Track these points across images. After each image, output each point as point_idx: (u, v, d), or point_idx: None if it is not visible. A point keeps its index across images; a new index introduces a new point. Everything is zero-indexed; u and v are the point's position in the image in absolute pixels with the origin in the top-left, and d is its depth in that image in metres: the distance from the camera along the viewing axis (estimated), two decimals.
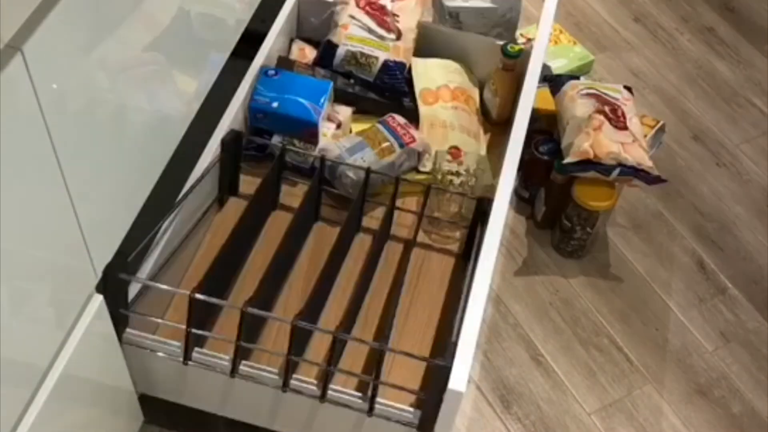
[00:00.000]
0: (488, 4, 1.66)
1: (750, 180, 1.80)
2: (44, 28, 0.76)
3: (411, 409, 1.16)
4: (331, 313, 1.32)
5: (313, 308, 1.23)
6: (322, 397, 1.16)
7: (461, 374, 1.11)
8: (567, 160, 1.52)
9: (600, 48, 2.01)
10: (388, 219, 1.41)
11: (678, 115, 1.91)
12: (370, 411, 1.16)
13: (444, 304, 1.36)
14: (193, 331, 1.15)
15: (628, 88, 1.67)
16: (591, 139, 1.51)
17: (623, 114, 1.57)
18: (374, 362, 1.16)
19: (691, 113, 1.91)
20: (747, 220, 1.74)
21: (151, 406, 1.32)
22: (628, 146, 1.52)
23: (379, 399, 1.16)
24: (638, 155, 1.52)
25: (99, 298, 1.06)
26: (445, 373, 1.06)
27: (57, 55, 0.79)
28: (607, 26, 2.07)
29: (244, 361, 1.18)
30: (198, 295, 1.13)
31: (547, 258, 1.64)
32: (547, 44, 1.54)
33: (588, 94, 1.60)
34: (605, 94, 1.60)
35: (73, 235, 0.93)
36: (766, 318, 1.60)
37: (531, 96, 1.45)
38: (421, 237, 1.46)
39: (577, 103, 1.59)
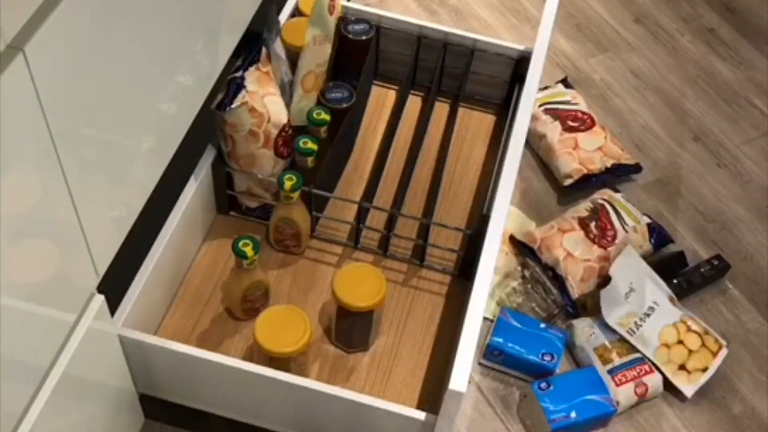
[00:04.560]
0: None
1: (750, 181, 1.81)
2: (46, 29, 0.76)
3: (452, 259, 1.48)
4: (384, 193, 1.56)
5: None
6: (385, 252, 1.48)
7: (462, 374, 1.11)
8: (517, 235, 1.59)
9: (601, 49, 2.02)
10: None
11: (678, 115, 1.91)
12: (422, 262, 1.47)
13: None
14: (360, 225, 1.47)
15: (659, 235, 1.64)
16: (548, 234, 1.57)
17: (614, 237, 1.57)
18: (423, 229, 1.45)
19: (691, 114, 1.91)
20: (747, 221, 1.74)
21: (152, 405, 1.32)
22: (573, 260, 1.53)
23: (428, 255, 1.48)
24: (573, 272, 1.52)
25: (100, 298, 1.06)
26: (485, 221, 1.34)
27: (59, 55, 0.80)
28: (608, 27, 2.07)
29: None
30: (365, 203, 1.44)
31: None
32: (547, 48, 1.54)
33: (602, 205, 1.62)
34: (618, 214, 1.61)
35: (75, 235, 0.93)
36: (766, 319, 1.60)
37: (530, 103, 1.45)
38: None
39: (585, 203, 1.64)
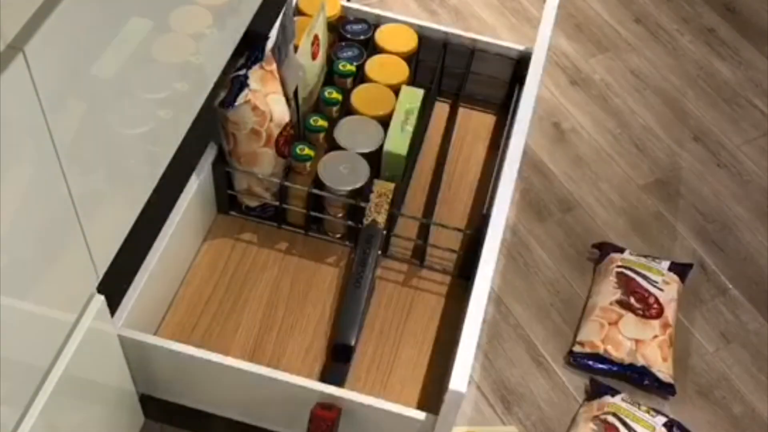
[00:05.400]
0: None
1: (751, 181, 1.81)
2: (46, 29, 0.76)
3: (452, 260, 1.46)
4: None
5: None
6: (385, 252, 1.47)
7: (462, 375, 1.11)
8: (575, 348, 1.49)
9: (601, 49, 2.02)
10: None
11: (678, 115, 1.91)
12: (422, 263, 1.47)
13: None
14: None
15: (679, 269, 1.58)
16: (604, 333, 1.48)
17: (657, 301, 1.51)
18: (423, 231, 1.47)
19: (691, 114, 1.92)
20: (748, 221, 1.74)
21: (152, 405, 1.32)
22: (644, 344, 1.46)
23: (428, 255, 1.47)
24: (652, 356, 1.46)
25: (100, 299, 1.06)
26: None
27: (59, 55, 0.80)
28: (608, 27, 2.07)
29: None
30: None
31: (548, 258, 1.64)
32: (547, 48, 1.54)
33: (621, 274, 1.54)
34: (643, 276, 1.54)
35: (75, 235, 0.93)
36: (766, 319, 1.60)
37: (530, 103, 1.45)
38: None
39: (607, 282, 1.54)
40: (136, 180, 1.06)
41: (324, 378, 1.31)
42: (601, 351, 1.47)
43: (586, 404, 1.44)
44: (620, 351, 1.46)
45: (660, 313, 1.50)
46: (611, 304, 1.51)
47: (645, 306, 1.50)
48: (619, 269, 1.55)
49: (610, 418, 1.38)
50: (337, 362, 1.32)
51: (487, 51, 1.64)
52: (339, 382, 1.27)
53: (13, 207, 0.80)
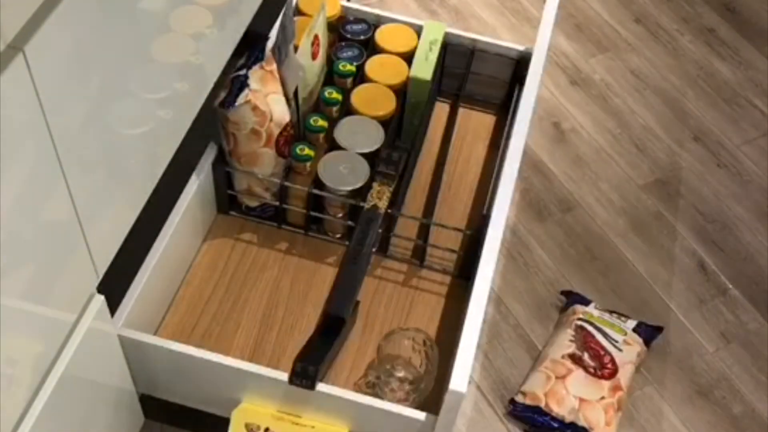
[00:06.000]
0: None
1: (751, 181, 1.81)
2: (46, 29, 0.76)
3: (452, 260, 1.46)
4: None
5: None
6: (385, 252, 1.47)
7: (462, 375, 1.11)
8: (517, 397, 1.42)
9: (601, 49, 2.02)
10: None
11: (678, 115, 1.91)
12: (422, 263, 1.47)
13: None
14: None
15: (647, 332, 1.50)
16: (549, 386, 1.41)
17: (612, 361, 1.42)
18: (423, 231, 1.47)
19: (691, 114, 1.92)
20: (748, 221, 1.74)
21: (152, 405, 1.32)
22: (589, 404, 1.39)
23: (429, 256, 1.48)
24: (595, 419, 1.38)
25: (100, 299, 1.06)
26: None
27: (59, 55, 0.80)
28: (608, 27, 2.07)
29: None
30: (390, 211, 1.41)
31: (548, 258, 1.64)
32: (547, 48, 1.54)
33: (580, 328, 1.47)
34: (603, 333, 1.46)
35: (75, 235, 0.93)
36: (766, 319, 1.60)
37: (531, 103, 1.45)
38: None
39: (564, 333, 1.47)
40: (136, 180, 1.06)
41: (304, 352, 1.24)
42: (542, 404, 1.40)
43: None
44: (562, 408, 1.39)
45: (612, 374, 1.41)
46: (563, 357, 1.43)
47: (598, 364, 1.42)
48: (579, 322, 1.48)
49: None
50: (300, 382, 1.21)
51: (487, 51, 1.64)
52: (318, 361, 1.21)
53: (13, 207, 0.80)
